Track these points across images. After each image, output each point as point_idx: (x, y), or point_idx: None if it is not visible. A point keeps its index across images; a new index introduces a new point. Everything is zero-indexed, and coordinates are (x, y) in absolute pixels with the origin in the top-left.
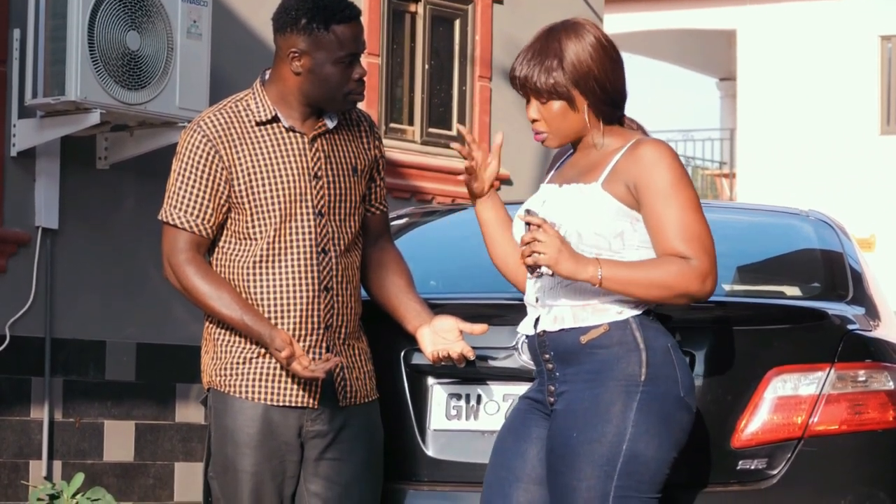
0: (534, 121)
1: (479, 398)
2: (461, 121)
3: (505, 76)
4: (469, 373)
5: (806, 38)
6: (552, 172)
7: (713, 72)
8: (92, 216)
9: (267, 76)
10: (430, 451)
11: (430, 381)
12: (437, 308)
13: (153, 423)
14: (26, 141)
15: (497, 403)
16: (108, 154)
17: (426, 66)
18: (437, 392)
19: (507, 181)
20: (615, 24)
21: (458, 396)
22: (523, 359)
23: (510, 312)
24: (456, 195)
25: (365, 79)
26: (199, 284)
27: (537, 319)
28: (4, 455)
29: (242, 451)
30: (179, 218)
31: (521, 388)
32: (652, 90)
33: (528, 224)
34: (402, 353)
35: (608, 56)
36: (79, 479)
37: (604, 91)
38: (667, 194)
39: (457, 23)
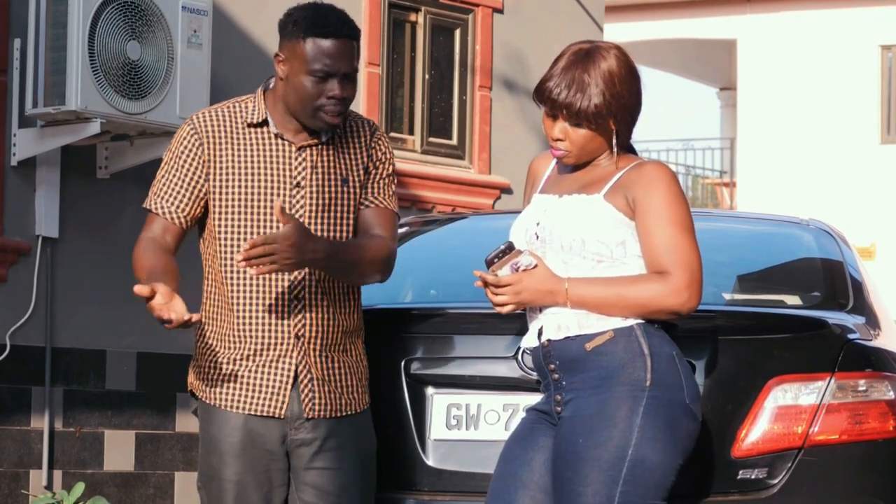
0: (557, 140)
1: (479, 408)
2: (461, 130)
3: (506, 85)
4: (469, 382)
5: (806, 47)
6: (543, 182)
7: (713, 81)
8: (92, 225)
9: (271, 83)
10: (431, 461)
11: (430, 390)
12: (436, 316)
13: (153, 433)
14: (26, 150)
15: (497, 413)
16: (109, 163)
17: (426, 76)
18: (438, 402)
19: (507, 190)
20: (616, 33)
21: (459, 406)
22: (524, 368)
23: (509, 321)
24: (456, 204)
25: (342, 97)
26: (139, 252)
27: (540, 331)
28: (4, 465)
29: (226, 461)
30: (155, 204)
31: (522, 398)
32: (652, 99)
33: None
34: (403, 363)
35: (637, 84)
36: (79, 488)
37: (633, 119)
38: (660, 211)
39: (457, 32)
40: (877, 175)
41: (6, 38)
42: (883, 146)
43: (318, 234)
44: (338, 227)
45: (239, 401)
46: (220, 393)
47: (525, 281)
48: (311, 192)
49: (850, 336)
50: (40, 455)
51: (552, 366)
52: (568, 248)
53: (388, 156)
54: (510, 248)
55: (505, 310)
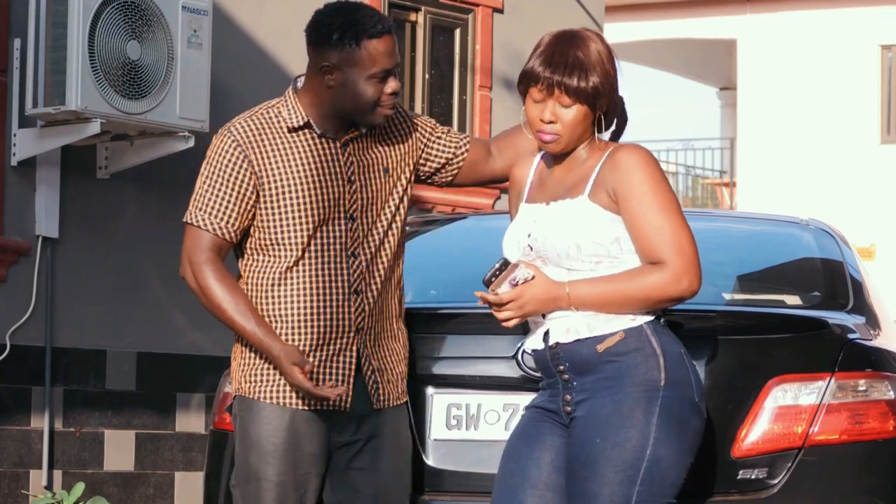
0: (549, 122)
1: (479, 408)
2: (461, 130)
3: (506, 85)
4: (469, 382)
5: (806, 47)
6: (527, 190)
7: (713, 81)
8: (92, 225)
9: (299, 83)
10: (431, 461)
11: (430, 390)
12: (436, 316)
13: (154, 433)
14: (27, 150)
15: (497, 413)
16: (109, 163)
17: (426, 76)
18: (438, 402)
19: (507, 190)
20: (616, 33)
21: (459, 406)
22: (524, 368)
23: None
24: (456, 204)
25: (398, 90)
26: (215, 287)
27: (546, 334)
28: (5, 464)
29: (267, 461)
30: (203, 220)
31: (522, 398)
32: (652, 99)
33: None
34: None
35: (615, 66)
36: (79, 488)
37: (616, 99)
38: (643, 198)
39: (457, 32)
40: (877, 175)
41: (6, 38)
42: (883, 146)
43: (365, 227)
44: (382, 219)
45: (292, 396)
46: (270, 389)
47: (526, 294)
48: (361, 187)
49: (850, 336)
50: (40, 455)
51: (561, 367)
52: (565, 255)
53: (424, 117)
54: (505, 264)
55: (511, 324)
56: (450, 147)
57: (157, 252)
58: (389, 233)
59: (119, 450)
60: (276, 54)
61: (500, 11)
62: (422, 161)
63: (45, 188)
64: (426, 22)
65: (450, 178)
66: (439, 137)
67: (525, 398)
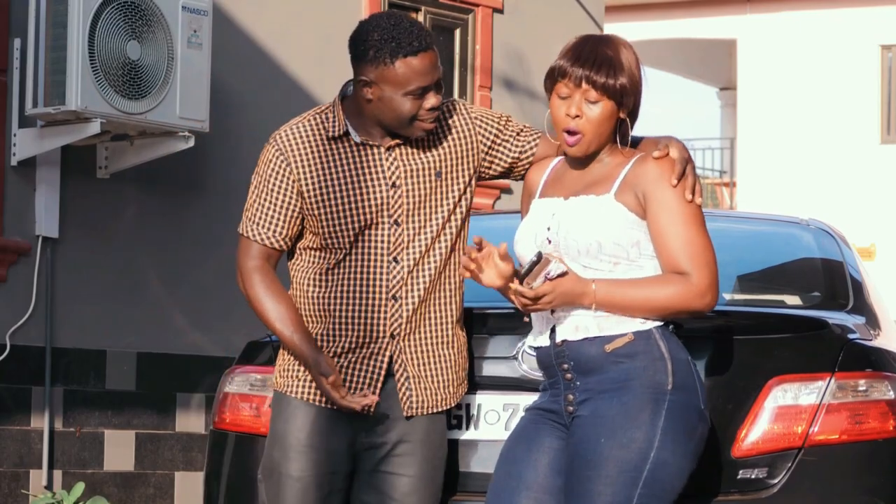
0: (574, 117)
1: (479, 408)
2: None
3: (506, 85)
4: (469, 382)
5: (806, 47)
6: (541, 187)
7: (713, 81)
8: (92, 225)
9: (349, 90)
10: None
11: None
12: None
13: (153, 433)
14: (27, 150)
15: (497, 413)
16: (109, 163)
17: None
18: None
19: (506, 190)
20: (616, 33)
21: (458, 406)
22: (524, 368)
23: (511, 322)
24: None
25: (438, 105)
26: (260, 293)
27: (552, 331)
28: (5, 464)
29: (289, 456)
30: (251, 230)
31: (522, 398)
32: (652, 99)
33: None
34: None
35: (642, 75)
36: (79, 488)
37: (637, 110)
38: (672, 209)
39: (457, 32)
40: (877, 175)
41: (6, 38)
42: (883, 146)
43: (410, 232)
44: (431, 223)
45: (320, 392)
46: (299, 384)
47: (558, 289)
48: (407, 192)
49: (850, 336)
50: (40, 455)
51: (565, 365)
52: (585, 251)
53: (494, 115)
54: (540, 257)
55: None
56: (515, 149)
57: (157, 252)
58: (441, 236)
59: (119, 450)
60: (276, 54)
61: (500, 11)
62: (486, 163)
63: (45, 188)
64: (426, 22)
65: (518, 176)
66: (506, 140)
67: (525, 398)
